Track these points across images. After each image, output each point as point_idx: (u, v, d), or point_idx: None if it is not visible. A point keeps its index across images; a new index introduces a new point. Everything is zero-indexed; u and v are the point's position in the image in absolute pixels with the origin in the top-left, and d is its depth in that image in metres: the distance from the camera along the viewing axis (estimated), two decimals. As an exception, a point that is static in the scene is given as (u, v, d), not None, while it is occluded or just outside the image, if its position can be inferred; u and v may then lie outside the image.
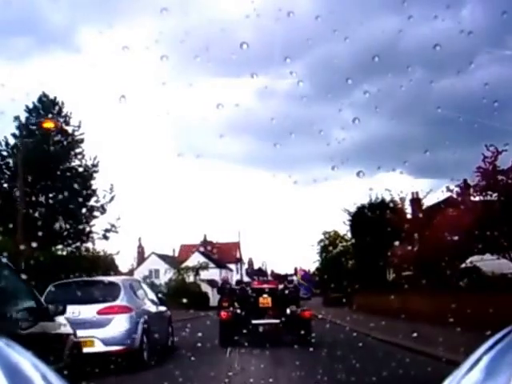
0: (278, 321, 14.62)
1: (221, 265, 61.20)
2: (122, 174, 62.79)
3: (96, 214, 29.04)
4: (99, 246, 30.73)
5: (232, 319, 14.52)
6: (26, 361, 0.97)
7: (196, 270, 49.87)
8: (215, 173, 63.71)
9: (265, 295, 15.28)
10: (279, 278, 79.40)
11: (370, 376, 7.75)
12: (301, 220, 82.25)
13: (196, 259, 52.92)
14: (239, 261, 73.83)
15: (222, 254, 67.63)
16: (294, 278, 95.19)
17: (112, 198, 29.01)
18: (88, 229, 29.16)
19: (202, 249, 60.46)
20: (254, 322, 14.50)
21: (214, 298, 49.82)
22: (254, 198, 77.14)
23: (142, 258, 55.82)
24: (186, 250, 59.55)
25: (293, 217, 79.15)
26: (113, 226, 28.99)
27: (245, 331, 14.04)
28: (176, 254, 60.86)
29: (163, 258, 53.79)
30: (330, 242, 47.16)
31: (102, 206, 28.94)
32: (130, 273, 50.38)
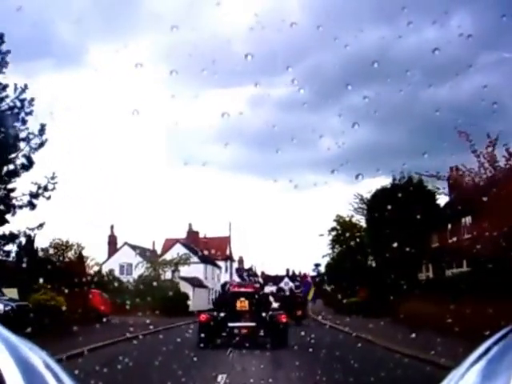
0: (254, 324, 15.13)
1: (207, 260, 52.02)
2: (123, 175, 63.20)
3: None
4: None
5: (210, 322, 15.09)
6: (39, 360, 0.98)
7: (174, 264, 40.68)
8: (210, 177, 66.04)
9: (242, 298, 15.71)
10: (270, 279, 70.87)
11: None
12: (292, 222, 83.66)
13: (176, 252, 43.63)
14: (229, 258, 65.02)
15: (209, 249, 58.81)
16: (287, 279, 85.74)
17: (42, 144, 19.87)
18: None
19: (185, 241, 51.50)
20: (230, 324, 15.05)
21: (195, 300, 40.86)
22: (244, 201, 75.95)
23: (113, 250, 46.57)
24: (170, 245, 50.47)
25: (284, 218, 79.81)
26: (43, 188, 19.83)
27: (224, 334, 15.14)
28: (157, 249, 51.53)
29: (137, 249, 44.41)
30: (345, 229, 38.32)
31: (28, 158, 19.66)
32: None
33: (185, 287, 40.11)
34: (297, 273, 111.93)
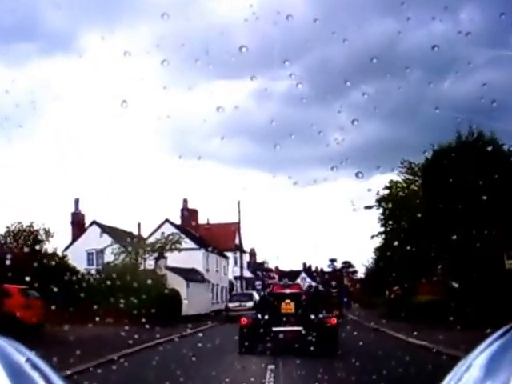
0: (300, 328, 13.96)
1: (209, 246, 39.86)
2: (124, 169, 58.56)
3: None
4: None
5: (252, 326, 14.38)
6: (27, 360, 0.95)
7: (159, 248, 28.64)
8: (214, 171, 61.35)
9: (287, 300, 14.96)
10: (285, 275, 62.71)
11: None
12: (305, 215, 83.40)
13: (164, 233, 31.39)
14: (239, 249, 53.37)
15: (215, 237, 47.22)
16: (304, 275, 77.29)
17: None
18: None
19: (180, 223, 39.36)
20: (274, 329, 14.02)
21: (190, 300, 28.87)
22: (255, 194, 77.68)
23: (79, 231, 34.47)
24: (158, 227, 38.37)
25: (298, 212, 79.17)
26: None
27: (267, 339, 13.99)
28: (143, 233, 39.07)
29: (109, 231, 32.00)
30: (402, 199, 26.33)
31: None
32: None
33: (175, 282, 28.00)
34: (313, 268, 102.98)
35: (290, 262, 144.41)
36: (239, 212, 46.58)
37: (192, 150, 53.83)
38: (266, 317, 14.43)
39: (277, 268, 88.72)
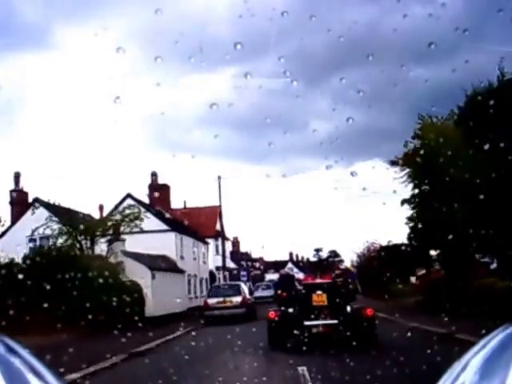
0: (335, 321, 13.33)
1: (182, 228, 33.22)
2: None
3: None
4: None
5: (281, 320, 13.76)
6: (18, 356, 0.95)
7: (112, 226, 21.95)
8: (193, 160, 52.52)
9: (319, 292, 14.18)
10: (270, 265, 61.39)
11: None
12: (290, 204, 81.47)
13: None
14: (220, 235, 47.36)
15: (193, 222, 40.81)
16: (291, 265, 74.99)
17: None
18: None
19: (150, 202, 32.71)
20: (306, 323, 13.31)
21: (157, 296, 22.27)
22: (237, 185, 76.66)
23: (20, 211, 27.49)
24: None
25: (281, 202, 75.45)
26: None
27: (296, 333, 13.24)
28: (104, 214, 32.03)
29: (54, 210, 24.94)
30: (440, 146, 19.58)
31: None
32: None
33: (136, 271, 21.27)
34: (299, 257, 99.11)
35: (275, 252, 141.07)
36: (220, 191, 40.24)
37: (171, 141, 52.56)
38: (294, 310, 13.78)
39: (262, 258, 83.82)
